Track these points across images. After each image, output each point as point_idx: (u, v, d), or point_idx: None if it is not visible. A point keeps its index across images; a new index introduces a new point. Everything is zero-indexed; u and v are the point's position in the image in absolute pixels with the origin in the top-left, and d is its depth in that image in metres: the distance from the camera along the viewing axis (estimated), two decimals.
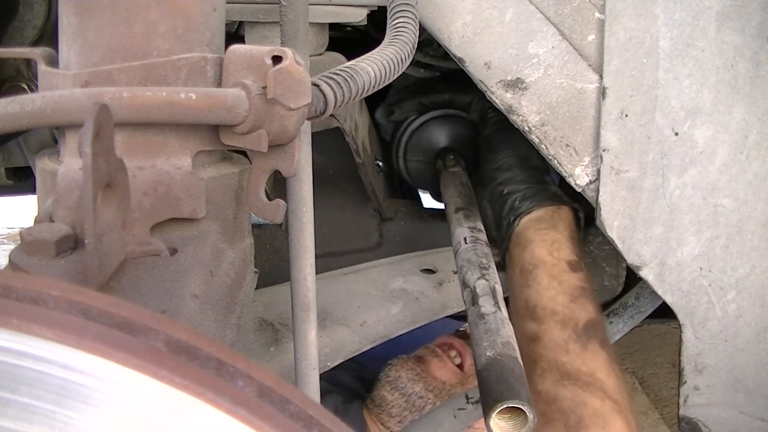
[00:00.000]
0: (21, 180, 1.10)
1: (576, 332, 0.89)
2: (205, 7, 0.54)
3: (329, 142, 1.06)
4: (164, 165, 0.52)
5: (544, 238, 0.99)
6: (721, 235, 0.92)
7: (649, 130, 0.88)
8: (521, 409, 0.68)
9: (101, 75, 0.51)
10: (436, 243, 1.25)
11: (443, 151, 1.29)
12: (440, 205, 1.32)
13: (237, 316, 0.55)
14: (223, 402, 0.31)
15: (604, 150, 0.89)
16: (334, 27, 0.87)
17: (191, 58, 0.52)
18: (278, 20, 0.68)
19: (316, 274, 0.76)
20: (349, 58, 0.66)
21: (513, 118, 0.91)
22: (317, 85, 0.56)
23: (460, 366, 1.25)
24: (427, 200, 1.48)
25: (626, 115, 0.88)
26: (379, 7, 0.83)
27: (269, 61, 0.50)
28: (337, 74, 0.58)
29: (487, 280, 0.87)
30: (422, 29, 0.81)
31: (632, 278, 1.15)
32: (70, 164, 0.49)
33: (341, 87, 0.57)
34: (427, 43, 1.15)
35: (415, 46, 0.72)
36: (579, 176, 0.92)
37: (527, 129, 0.91)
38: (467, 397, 1.00)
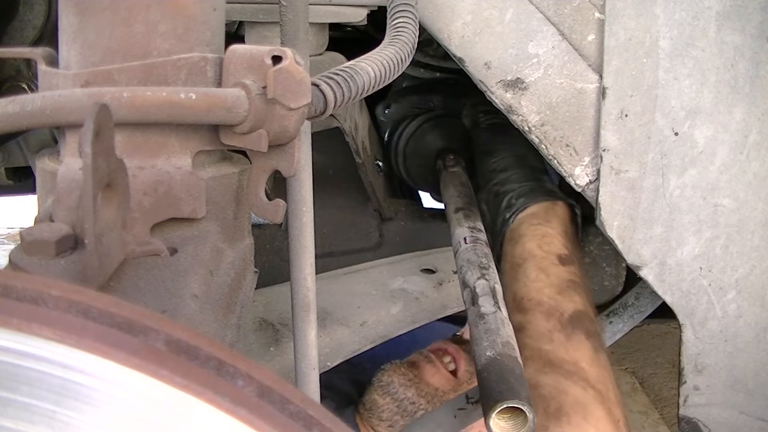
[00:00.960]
0: (21, 180, 1.10)
1: (561, 322, 0.89)
2: (205, 7, 0.54)
3: (329, 142, 1.06)
4: (164, 165, 0.52)
5: (535, 232, 1.00)
6: (721, 235, 0.92)
7: (649, 130, 0.88)
8: (521, 409, 0.68)
9: (101, 75, 0.51)
10: (436, 243, 1.25)
11: (443, 151, 1.30)
12: (440, 205, 1.32)
13: (237, 316, 0.55)
14: (223, 402, 0.31)
15: (604, 150, 0.89)
16: (334, 27, 0.87)
17: (191, 58, 0.52)
18: (278, 20, 0.68)
19: (316, 274, 0.76)
20: (349, 58, 0.66)
21: (513, 118, 0.91)
22: (317, 85, 0.56)
23: (454, 372, 1.25)
24: (427, 200, 1.48)
25: (626, 115, 0.88)
26: (379, 7, 0.83)
27: (269, 61, 0.50)
28: (337, 74, 0.58)
29: (487, 280, 0.87)
30: (422, 29, 0.81)
31: (632, 278, 1.15)
32: (70, 164, 0.49)
33: (341, 87, 0.57)
34: (427, 43, 1.16)
35: (415, 46, 0.72)
36: (579, 176, 0.92)
37: (527, 129, 0.91)
38: (467, 397, 1.00)
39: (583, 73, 0.89)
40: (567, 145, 0.91)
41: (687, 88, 0.87)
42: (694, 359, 0.96)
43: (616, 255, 1.02)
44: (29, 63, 0.90)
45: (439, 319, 1.16)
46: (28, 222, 0.50)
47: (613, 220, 0.92)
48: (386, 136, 1.38)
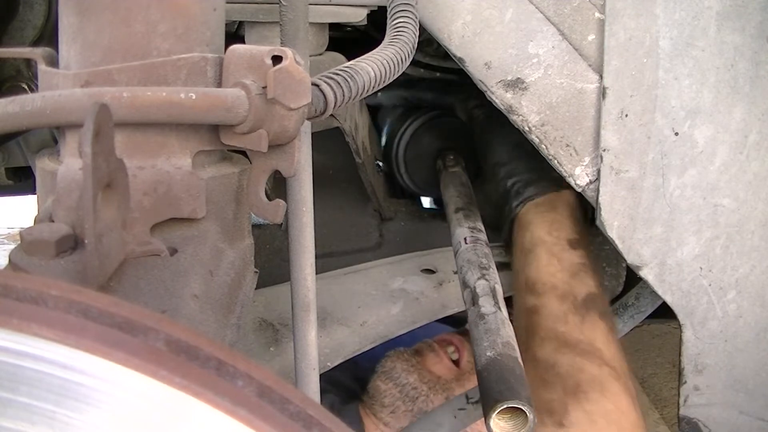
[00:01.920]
0: (21, 180, 1.10)
1: (575, 305, 0.91)
2: (205, 7, 0.54)
3: (329, 142, 1.06)
4: (164, 165, 0.52)
5: (544, 218, 1.02)
6: (721, 235, 0.92)
7: (649, 130, 0.88)
8: (521, 409, 0.68)
9: (101, 75, 0.51)
10: (436, 243, 1.25)
11: (443, 151, 1.30)
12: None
13: (237, 316, 0.55)
14: (223, 402, 0.31)
15: (604, 150, 0.89)
16: (334, 27, 0.87)
17: (191, 58, 0.52)
18: (278, 20, 0.68)
19: (316, 274, 0.76)
20: (349, 58, 0.66)
21: (513, 118, 0.91)
22: (317, 85, 0.56)
23: (457, 362, 1.25)
24: (427, 200, 1.48)
25: (626, 115, 0.88)
26: (379, 7, 0.83)
27: (269, 61, 0.50)
28: (337, 74, 0.58)
29: (487, 280, 0.87)
30: (422, 29, 0.81)
31: (632, 278, 1.15)
32: (70, 164, 0.49)
33: (341, 87, 0.57)
34: (427, 43, 1.15)
35: (415, 46, 0.72)
36: (579, 176, 0.92)
37: (527, 129, 0.91)
38: (467, 397, 1.00)
39: (583, 73, 0.89)
40: (567, 145, 0.91)
41: (687, 88, 0.87)
42: (694, 359, 0.96)
43: (616, 255, 1.02)
44: (29, 63, 0.90)
45: (439, 320, 1.16)
46: (28, 222, 0.50)
47: (613, 220, 0.92)
48: (384, 141, 1.38)
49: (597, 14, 0.87)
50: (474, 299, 0.84)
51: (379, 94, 1.37)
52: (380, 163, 1.32)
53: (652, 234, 0.92)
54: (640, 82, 0.87)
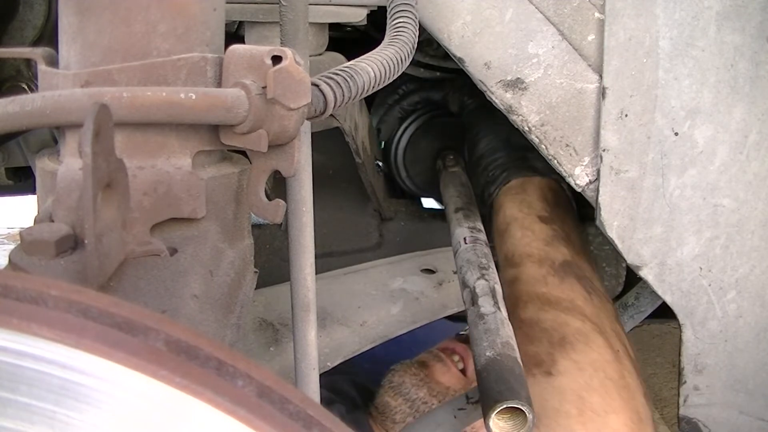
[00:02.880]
0: (21, 180, 1.10)
1: (553, 268, 0.94)
2: (205, 7, 0.54)
3: (329, 142, 1.06)
4: (164, 165, 0.52)
5: (515, 199, 1.06)
6: (721, 235, 0.92)
7: (649, 130, 0.88)
8: (521, 409, 0.68)
9: (101, 75, 0.51)
10: (436, 243, 1.25)
11: (443, 151, 1.30)
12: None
13: (237, 316, 0.55)
14: (223, 402, 0.31)
15: (603, 150, 0.89)
16: (334, 27, 0.87)
17: (191, 58, 0.52)
18: (278, 20, 0.68)
19: (316, 274, 0.76)
20: (349, 58, 0.66)
21: (513, 118, 0.91)
22: (317, 85, 0.56)
23: (463, 371, 1.25)
24: (427, 200, 1.48)
25: (626, 115, 0.88)
26: (379, 7, 0.83)
27: (269, 61, 0.50)
28: (337, 74, 0.58)
29: (486, 280, 0.87)
30: (422, 29, 0.81)
31: (632, 278, 1.15)
32: (70, 164, 0.49)
33: (341, 87, 0.57)
34: (427, 43, 1.16)
35: (415, 46, 0.72)
36: (579, 176, 0.92)
37: (527, 129, 0.91)
38: (467, 397, 1.00)
39: (583, 73, 0.89)
40: (567, 145, 0.91)
41: (687, 88, 0.87)
42: (694, 359, 0.96)
43: (616, 255, 1.03)
44: (29, 63, 0.90)
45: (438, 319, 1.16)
46: (28, 222, 0.50)
47: (613, 220, 0.92)
48: (383, 144, 1.38)
49: (597, 14, 0.87)
50: (473, 299, 0.84)
51: (382, 132, 1.37)
52: (380, 163, 1.32)
53: (651, 234, 0.92)
54: (640, 82, 0.87)
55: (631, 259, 0.93)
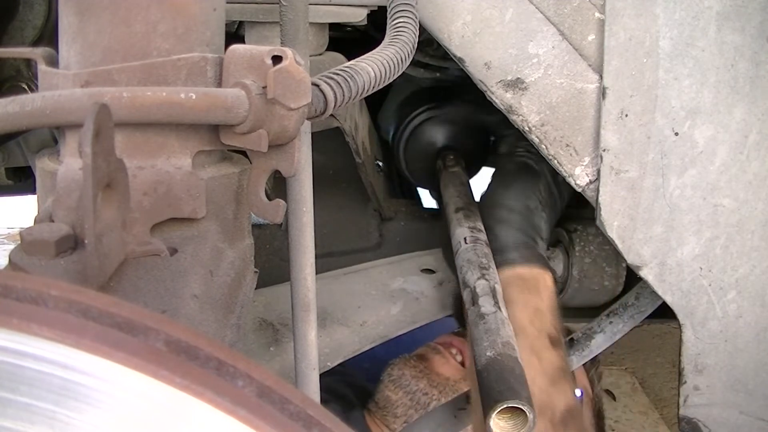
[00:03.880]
0: (21, 180, 1.10)
1: (553, 423, 0.86)
2: (205, 7, 0.54)
3: (329, 142, 1.06)
4: (164, 165, 0.52)
5: (527, 303, 0.95)
6: (721, 235, 0.92)
7: (649, 130, 0.88)
8: (521, 409, 0.68)
9: (101, 75, 0.51)
10: (436, 243, 1.25)
11: (443, 150, 1.30)
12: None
13: (237, 316, 0.55)
14: (223, 402, 0.31)
15: (604, 150, 0.89)
16: (334, 27, 0.87)
17: (191, 58, 0.52)
18: (278, 20, 0.68)
19: (316, 274, 0.76)
20: (349, 58, 0.66)
21: (513, 118, 0.91)
22: (317, 85, 0.56)
23: (462, 363, 1.25)
24: (427, 200, 1.48)
25: (626, 115, 0.88)
26: (379, 7, 0.83)
27: (269, 61, 0.50)
28: (337, 74, 0.58)
29: (487, 280, 0.87)
30: (422, 29, 0.81)
31: (632, 278, 1.15)
32: (70, 164, 0.49)
33: (341, 87, 0.57)
34: (427, 43, 1.15)
35: (415, 46, 0.72)
36: (579, 176, 0.92)
37: (527, 129, 0.91)
38: (467, 397, 1.00)
39: (583, 73, 0.89)
40: (567, 145, 0.91)
41: (687, 88, 0.87)
42: (694, 359, 0.96)
43: (616, 255, 1.02)
44: (29, 63, 0.90)
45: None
46: (28, 222, 0.50)
47: (613, 220, 0.92)
48: (390, 136, 1.38)
49: (597, 14, 0.87)
50: (474, 299, 0.84)
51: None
52: (380, 163, 1.32)
53: (652, 234, 0.92)
54: (640, 82, 0.87)
55: (631, 259, 0.93)
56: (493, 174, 1.17)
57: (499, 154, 1.28)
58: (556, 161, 0.92)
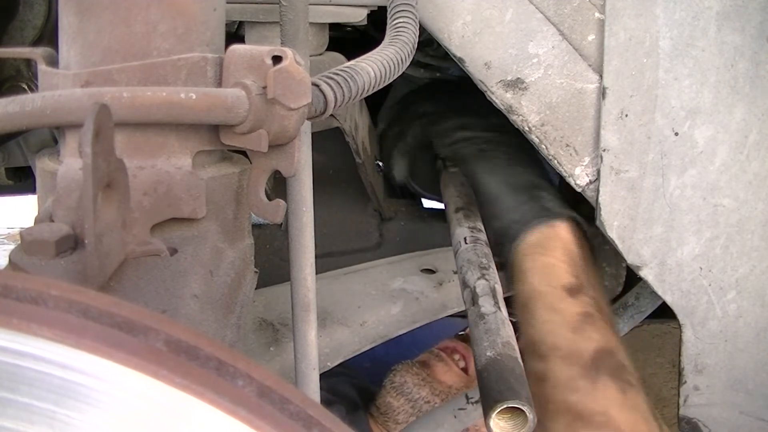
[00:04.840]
0: (21, 180, 1.10)
1: (583, 367, 0.83)
2: (205, 7, 0.54)
3: (329, 142, 1.06)
4: (164, 165, 0.52)
5: (537, 265, 0.93)
6: (721, 235, 0.92)
7: (649, 130, 0.88)
8: (521, 409, 0.68)
9: (101, 75, 0.51)
10: (436, 243, 1.25)
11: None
12: (440, 205, 1.32)
13: (237, 316, 0.55)
14: (223, 402, 0.31)
15: (604, 150, 0.89)
16: (334, 27, 0.87)
17: (191, 58, 0.52)
18: (278, 20, 0.68)
19: (316, 274, 0.76)
20: (349, 58, 0.66)
21: (513, 118, 0.91)
22: (317, 85, 0.56)
23: (465, 370, 1.25)
24: (427, 200, 1.48)
25: (626, 115, 0.88)
26: (379, 7, 0.83)
27: (269, 61, 0.50)
28: (337, 74, 0.58)
29: (487, 280, 0.87)
30: (422, 29, 0.81)
31: (632, 278, 1.15)
32: (70, 164, 0.49)
33: (341, 87, 0.57)
34: (427, 43, 1.15)
35: (415, 46, 0.72)
36: (579, 176, 0.92)
37: (527, 129, 0.91)
38: (467, 397, 1.00)
39: (583, 73, 0.89)
40: (567, 145, 0.91)
41: (687, 88, 0.87)
42: (694, 359, 0.96)
43: (616, 255, 1.02)
44: (29, 63, 0.90)
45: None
46: (28, 222, 0.50)
47: (613, 220, 0.92)
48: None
49: (597, 14, 0.87)
50: (474, 299, 0.84)
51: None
52: (380, 163, 1.32)
53: (652, 234, 0.92)
54: (640, 82, 0.87)
55: (631, 259, 0.93)
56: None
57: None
58: (556, 161, 0.92)
